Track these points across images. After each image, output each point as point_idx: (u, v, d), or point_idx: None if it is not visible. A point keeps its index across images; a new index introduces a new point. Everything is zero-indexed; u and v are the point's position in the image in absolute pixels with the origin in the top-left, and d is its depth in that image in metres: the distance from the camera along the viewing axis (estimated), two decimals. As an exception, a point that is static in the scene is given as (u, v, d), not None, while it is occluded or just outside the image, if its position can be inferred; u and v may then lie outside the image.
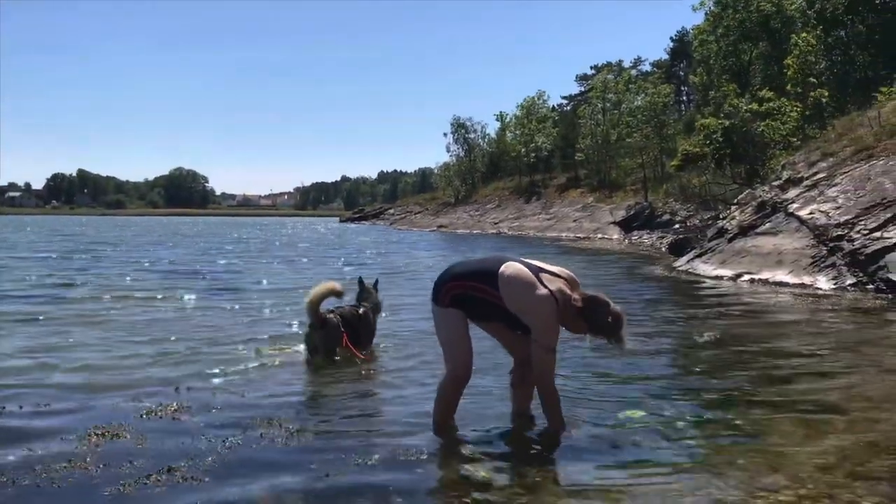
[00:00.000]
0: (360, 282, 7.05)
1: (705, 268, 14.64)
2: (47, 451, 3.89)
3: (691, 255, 16.54)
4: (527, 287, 3.96)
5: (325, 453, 3.89)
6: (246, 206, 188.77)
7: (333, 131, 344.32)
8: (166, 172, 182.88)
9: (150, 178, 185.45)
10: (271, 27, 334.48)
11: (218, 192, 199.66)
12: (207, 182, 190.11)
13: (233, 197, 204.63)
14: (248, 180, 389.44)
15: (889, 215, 11.58)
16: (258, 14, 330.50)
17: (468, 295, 4.09)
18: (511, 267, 4.05)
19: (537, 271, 4.06)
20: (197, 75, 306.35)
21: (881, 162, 13.52)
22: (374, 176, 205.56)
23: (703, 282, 13.44)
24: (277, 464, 3.74)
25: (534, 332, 3.98)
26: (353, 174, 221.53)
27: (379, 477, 3.56)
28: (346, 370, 5.96)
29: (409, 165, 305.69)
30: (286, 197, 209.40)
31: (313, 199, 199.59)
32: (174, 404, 4.77)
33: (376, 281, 7.18)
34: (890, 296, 10.08)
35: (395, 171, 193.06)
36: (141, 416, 4.54)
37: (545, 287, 3.96)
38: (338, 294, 6.38)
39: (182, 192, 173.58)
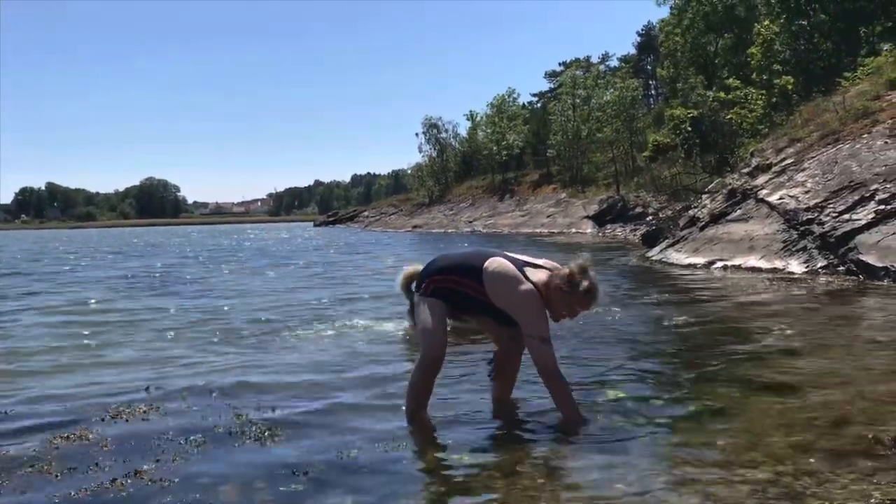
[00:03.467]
0: None
1: (678, 256, 14.71)
2: (7, 453, 3.78)
3: (664, 244, 16.62)
4: (511, 282, 3.94)
5: (299, 449, 3.80)
6: (219, 213, 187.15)
7: (305, 136, 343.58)
8: (137, 183, 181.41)
9: (121, 188, 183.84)
10: (239, 32, 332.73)
11: (190, 201, 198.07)
12: (179, 191, 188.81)
13: (205, 205, 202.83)
14: (220, 188, 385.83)
15: (857, 197, 11.70)
16: (225, 18, 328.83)
17: (452, 289, 4.07)
18: (495, 262, 4.03)
19: (522, 266, 4.04)
20: (166, 83, 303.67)
21: (847, 145, 13.66)
22: (348, 179, 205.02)
23: (676, 270, 13.50)
24: (250, 463, 3.63)
25: (525, 327, 3.95)
26: (326, 178, 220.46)
27: (358, 477, 3.45)
28: (321, 360, 5.88)
29: (383, 168, 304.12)
30: (259, 203, 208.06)
31: (287, 204, 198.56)
32: (143, 405, 4.66)
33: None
34: (860, 276, 10.18)
35: (369, 173, 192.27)
36: (106, 417, 4.42)
37: (528, 281, 3.94)
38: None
39: (154, 202, 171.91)
